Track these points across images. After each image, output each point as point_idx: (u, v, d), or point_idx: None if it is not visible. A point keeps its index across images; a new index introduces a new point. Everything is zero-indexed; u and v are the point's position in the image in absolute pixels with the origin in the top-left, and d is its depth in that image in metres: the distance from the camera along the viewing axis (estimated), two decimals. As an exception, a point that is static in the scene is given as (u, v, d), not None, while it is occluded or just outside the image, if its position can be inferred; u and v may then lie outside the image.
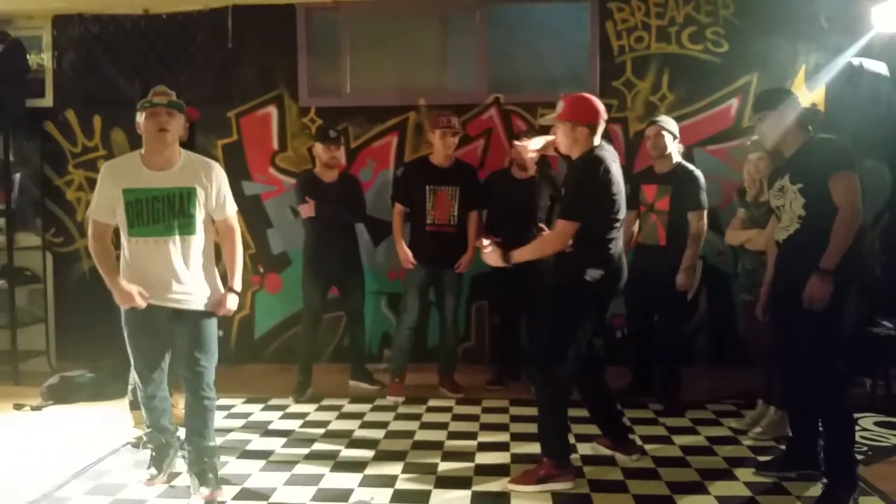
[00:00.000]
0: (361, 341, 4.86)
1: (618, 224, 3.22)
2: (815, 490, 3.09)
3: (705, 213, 4.16)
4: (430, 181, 4.47)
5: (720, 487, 3.12)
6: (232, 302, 3.10)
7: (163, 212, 2.94)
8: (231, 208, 3.14)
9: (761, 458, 3.43)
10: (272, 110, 5.28)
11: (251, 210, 5.22)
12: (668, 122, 4.28)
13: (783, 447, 3.50)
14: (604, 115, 3.23)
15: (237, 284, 3.13)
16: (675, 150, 4.27)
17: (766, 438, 3.68)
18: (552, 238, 3.26)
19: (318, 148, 4.54)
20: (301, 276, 4.67)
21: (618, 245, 3.25)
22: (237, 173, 5.09)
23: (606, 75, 5.14)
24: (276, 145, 5.30)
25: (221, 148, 5.28)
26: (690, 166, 4.28)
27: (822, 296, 2.93)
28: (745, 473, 3.28)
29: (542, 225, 4.57)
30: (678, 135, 4.30)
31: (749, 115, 5.07)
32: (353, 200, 4.61)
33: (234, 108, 5.28)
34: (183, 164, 3.01)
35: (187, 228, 2.98)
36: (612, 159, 3.22)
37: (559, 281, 3.30)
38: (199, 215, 3.01)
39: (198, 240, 3.03)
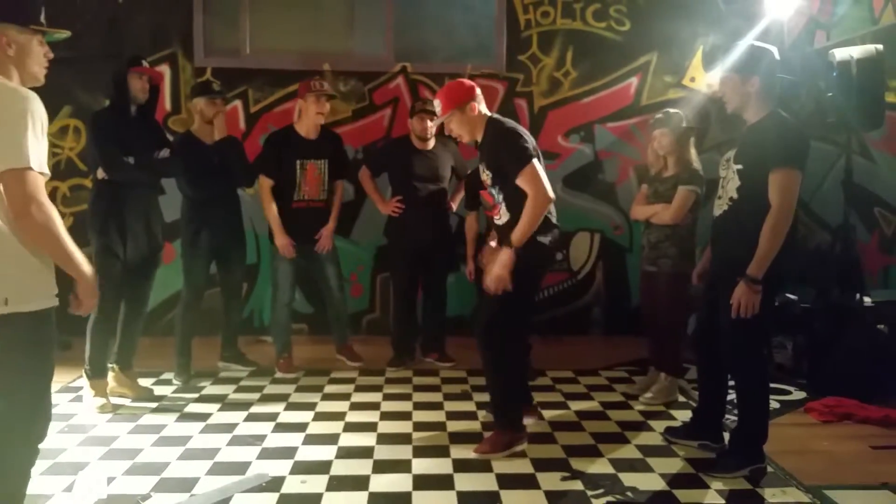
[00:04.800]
0: (237, 320, 4.51)
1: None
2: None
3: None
4: (299, 155, 4.16)
5: (612, 450, 3.24)
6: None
7: None
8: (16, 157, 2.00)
9: (651, 422, 3.59)
10: (165, 69, 4.99)
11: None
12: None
13: (671, 411, 3.70)
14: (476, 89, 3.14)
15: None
16: None
17: (657, 403, 3.85)
18: (534, 197, 2.96)
19: (201, 102, 4.09)
20: (181, 248, 4.23)
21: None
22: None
23: (513, 49, 5.17)
24: (168, 107, 5.02)
25: (109, 107, 4.95)
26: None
27: (750, 305, 2.75)
28: (635, 436, 3.41)
29: (451, 203, 4.53)
30: None
31: (648, 93, 5.24)
32: (236, 164, 4.19)
33: (124, 66, 4.95)
34: None
35: None
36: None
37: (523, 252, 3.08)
38: None
39: None
